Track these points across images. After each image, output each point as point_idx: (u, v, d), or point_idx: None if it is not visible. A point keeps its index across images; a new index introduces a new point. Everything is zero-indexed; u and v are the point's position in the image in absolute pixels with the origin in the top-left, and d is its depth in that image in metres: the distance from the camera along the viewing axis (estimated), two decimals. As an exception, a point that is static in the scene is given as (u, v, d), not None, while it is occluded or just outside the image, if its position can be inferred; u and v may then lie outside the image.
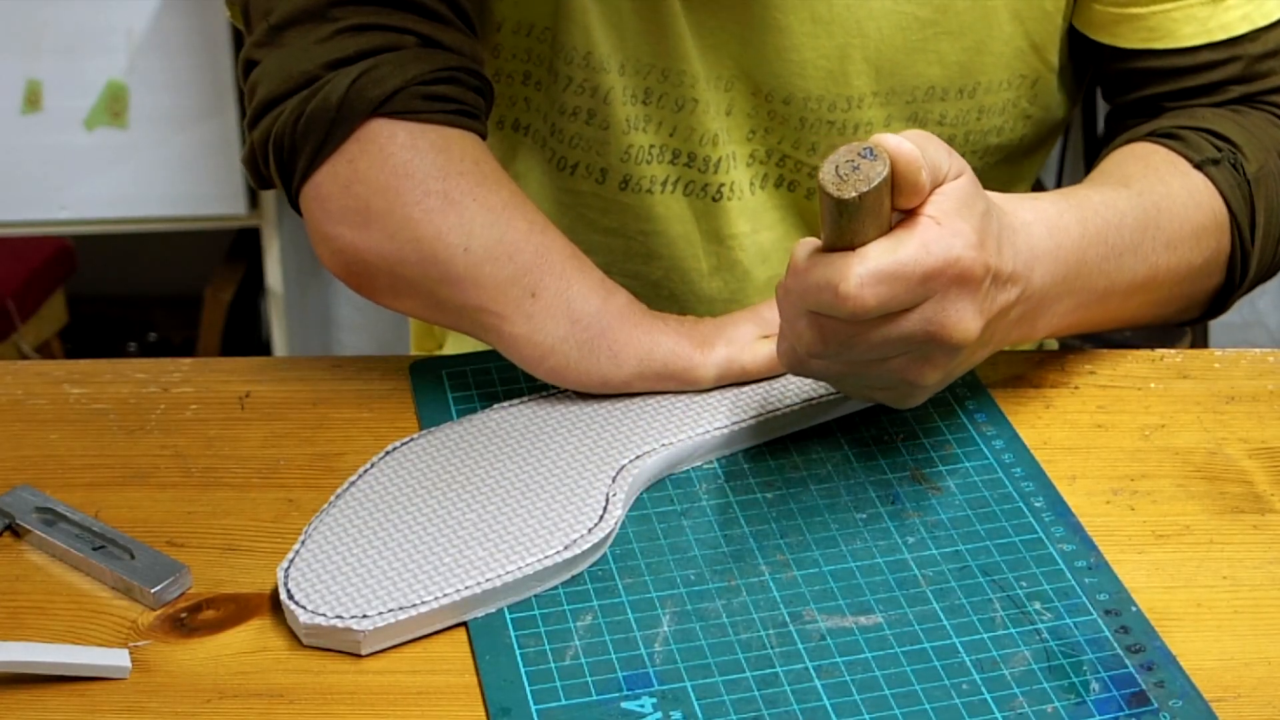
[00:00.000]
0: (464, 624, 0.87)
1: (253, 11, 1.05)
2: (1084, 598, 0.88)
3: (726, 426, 0.98)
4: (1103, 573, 0.90)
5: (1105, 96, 1.19)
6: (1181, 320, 1.12)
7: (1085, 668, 0.84)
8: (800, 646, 0.85)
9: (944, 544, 0.91)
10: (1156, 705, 0.82)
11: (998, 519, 0.93)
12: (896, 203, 0.88)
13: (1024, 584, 0.89)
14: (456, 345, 1.30)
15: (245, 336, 2.59)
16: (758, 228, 1.18)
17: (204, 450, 1.00)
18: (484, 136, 1.05)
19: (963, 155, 1.16)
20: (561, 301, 0.99)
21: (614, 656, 0.85)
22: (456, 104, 1.02)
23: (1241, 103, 1.13)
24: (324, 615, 0.86)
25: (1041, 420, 1.02)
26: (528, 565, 0.88)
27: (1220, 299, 1.12)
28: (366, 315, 2.81)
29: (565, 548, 0.89)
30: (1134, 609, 0.87)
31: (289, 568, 0.89)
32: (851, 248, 0.87)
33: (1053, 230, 0.96)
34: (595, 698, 0.82)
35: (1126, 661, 0.84)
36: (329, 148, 1.00)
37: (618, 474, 0.94)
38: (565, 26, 1.13)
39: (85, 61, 2.27)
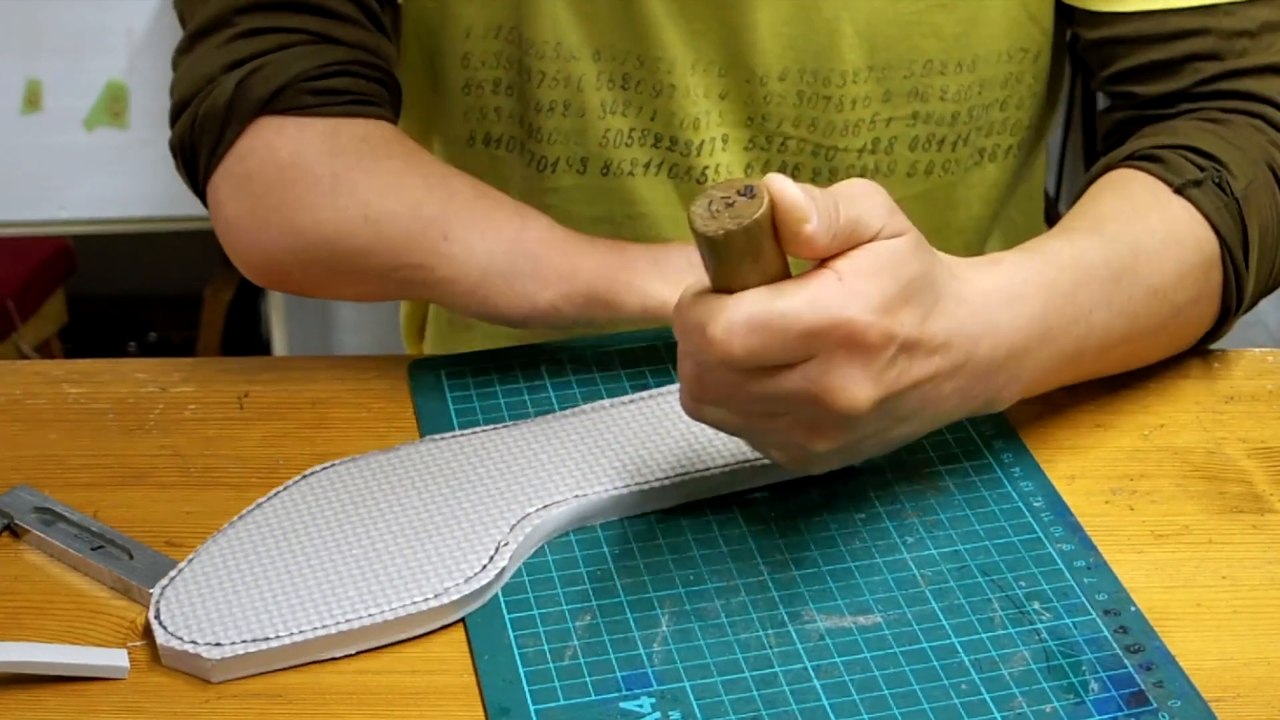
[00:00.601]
0: (462, 623, 0.87)
1: (184, 21, 1.09)
2: (1083, 597, 0.88)
3: (646, 483, 0.94)
4: (1102, 572, 0.90)
5: (1087, 82, 1.17)
6: (1176, 354, 1.06)
7: (1084, 668, 0.84)
8: (799, 646, 0.85)
9: (943, 544, 0.91)
10: (1155, 705, 0.82)
11: (996, 519, 0.93)
12: (786, 249, 0.82)
13: (1023, 584, 0.89)
14: (436, 345, 1.30)
15: (245, 336, 2.59)
16: None
17: (203, 450, 1.00)
18: (383, 119, 1.06)
19: (969, 134, 1.15)
20: (475, 237, 1.00)
21: (613, 656, 0.85)
22: (350, 95, 1.04)
23: (1219, 99, 1.09)
24: (179, 639, 0.84)
25: (1041, 420, 1.02)
26: (390, 610, 0.86)
27: (1217, 326, 1.06)
28: (366, 315, 2.81)
29: (435, 595, 0.87)
30: (1133, 609, 0.87)
31: (166, 586, 0.88)
32: (730, 291, 0.82)
33: (1011, 301, 0.90)
34: (594, 698, 0.82)
35: (1125, 661, 0.84)
36: (221, 149, 1.03)
37: (518, 522, 0.91)
38: (532, 20, 1.13)
39: (85, 61, 2.27)
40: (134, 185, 2.33)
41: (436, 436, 0.98)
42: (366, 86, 1.06)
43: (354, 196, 1.01)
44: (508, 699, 0.82)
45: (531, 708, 0.82)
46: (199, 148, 1.04)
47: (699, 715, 0.81)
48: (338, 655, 0.85)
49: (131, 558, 0.90)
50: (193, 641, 0.84)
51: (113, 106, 2.29)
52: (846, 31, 1.12)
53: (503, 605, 0.88)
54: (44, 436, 1.01)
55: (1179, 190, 1.02)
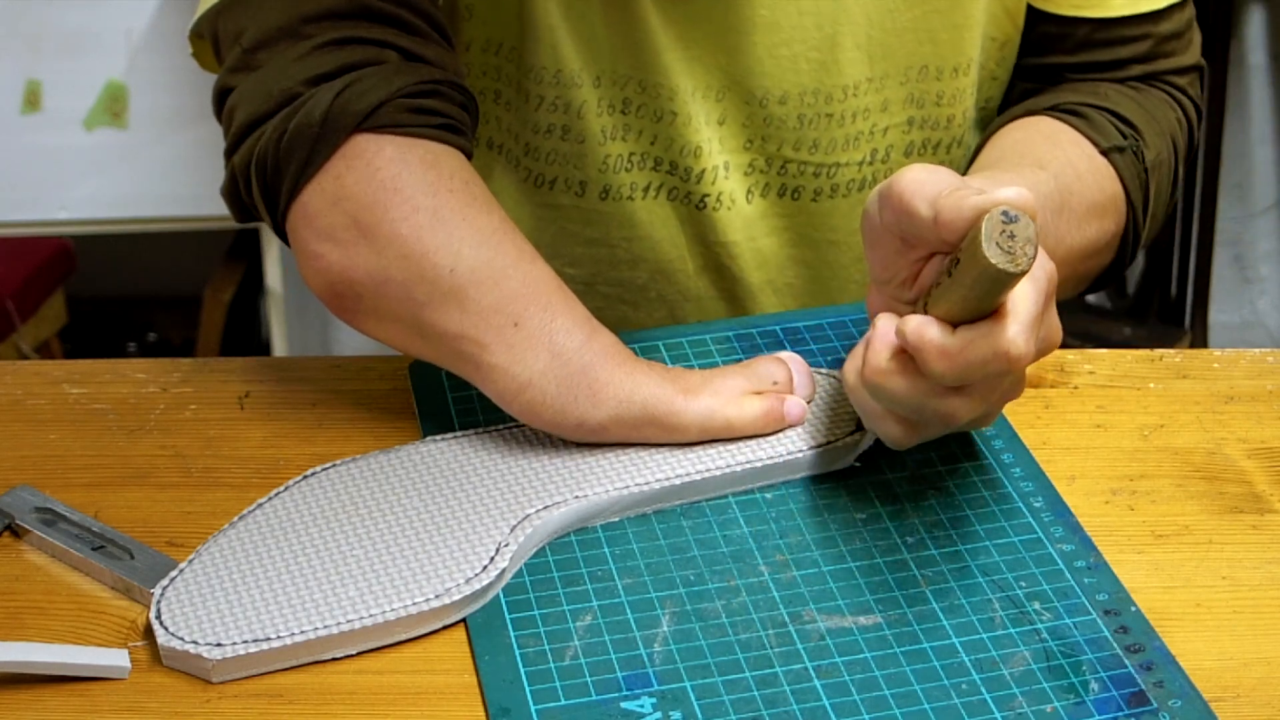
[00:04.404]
0: (463, 623, 0.87)
1: (223, 39, 1.03)
2: (1083, 598, 0.88)
3: (647, 484, 0.94)
4: (1102, 573, 0.90)
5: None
6: (1071, 296, 1.15)
7: (1084, 668, 0.84)
8: (800, 646, 0.85)
9: (943, 544, 0.91)
10: (1156, 705, 0.82)
11: (997, 519, 0.93)
12: None
13: (1023, 584, 0.89)
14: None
15: (245, 336, 2.59)
16: (753, 235, 1.17)
17: (203, 450, 1.00)
18: (470, 154, 1.02)
19: (963, 135, 1.18)
20: (544, 334, 0.96)
21: (613, 657, 0.85)
22: (442, 118, 1.00)
23: (1142, 81, 1.15)
24: (180, 639, 0.84)
25: (1041, 420, 1.02)
26: (391, 611, 0.86)
27: (1107, 275, 1.17)
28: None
29: (436, 596, 0.87)
30: (1133, 609, 0.87)
31: (167, 586, 0.88)
32: (994, 310, 0.85)
33: None
34: (595, 698, 0.82)
35: (1126, 661, 0.84)
36: (314, 165, 0.97)
37: (519, 523, 0.91)
38: (531, 46, 1.12)
39: (85, 61, 2.27)
40: (134, 185, 2.33)
41: (437, 437, 0.98)
42: (454, 111, 1.01)
43: (449, 242, 0.96)
44: (508, 699, 0.82)
45: (532, 708, 0.82)
46: (284, 164, 0.97)
47: (700, 715, 0.82)
48: (338, 655, 0.85)
49: (132, 557, 0.90)
50: (193, 642, 0.84)
51: (112, 107, 2.29)
52: (848, 45, 1.12)
53: (503, 605, 0.88)
54: (45, 437, 1.01)
55: (1104, 152, 1.10)
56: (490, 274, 0.96)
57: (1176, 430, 1.01)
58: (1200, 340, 2.67)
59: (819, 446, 0.96)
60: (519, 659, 0.85)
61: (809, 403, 0.99)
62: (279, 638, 0.85)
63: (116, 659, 0.84)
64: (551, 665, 0.84)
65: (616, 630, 0.86)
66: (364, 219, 0.96)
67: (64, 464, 0.99)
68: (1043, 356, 0.90)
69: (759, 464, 0.95)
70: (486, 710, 0.82)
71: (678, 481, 0.94)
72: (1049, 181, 1.04)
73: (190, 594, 0.87)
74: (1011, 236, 0.81)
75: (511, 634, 0.86)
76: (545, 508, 0.92)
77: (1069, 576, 0.89)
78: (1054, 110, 1.12)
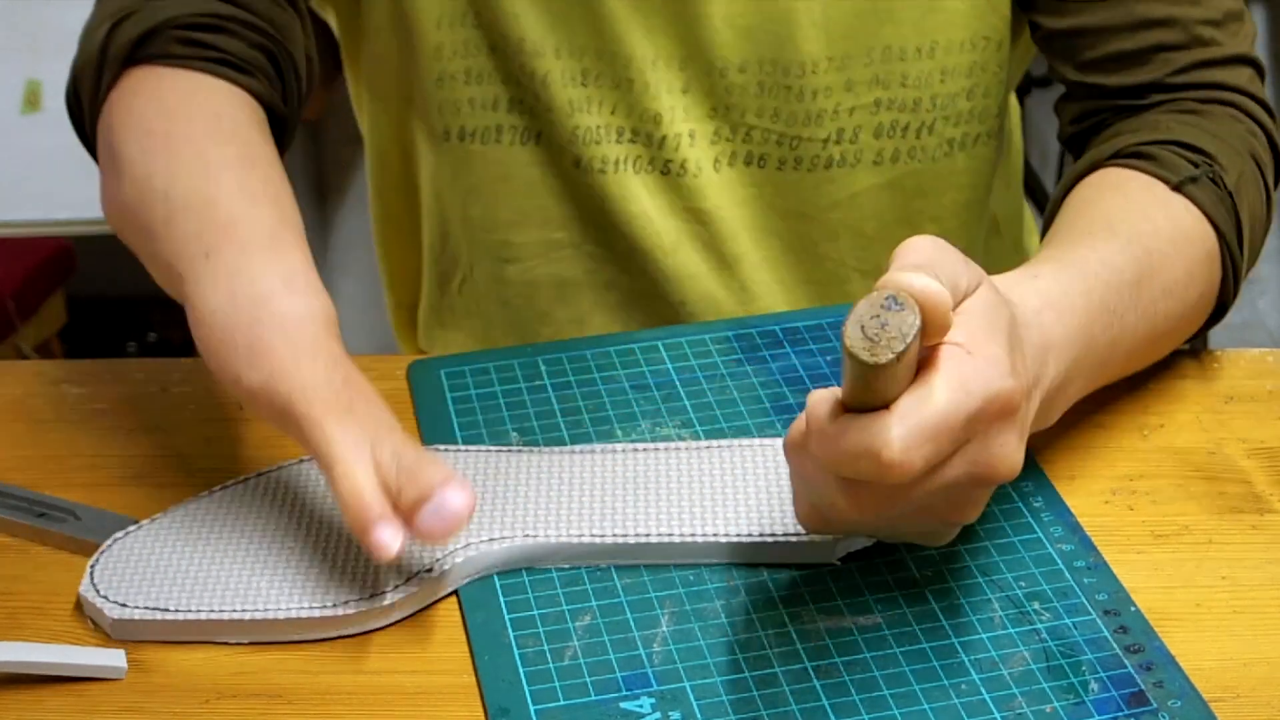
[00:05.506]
0: (463, 623, 0.87)
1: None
2: (1083, 598, 0.88)
3: (602, 537, 0.89)
4: (1101, 573, 0.90)
5: (1051, 73, 1.14)
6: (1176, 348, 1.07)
7: (1084, 668, 0.84)
8: (799, 647, 0.85)
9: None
10: (1155, 705, 0.82)
11: (996, 519, 0.93)
12: (927, 340, 0.77)
13: (1023, 584, 0.89)
14: (444, 347, 1.29)
15: (245, 337, 2.58)
16: (723, 204, 1.17)
17: (203, 450, 1.00)
18: (258, 94, 1.02)
19: (934, 122, 1.15)
20: (229, 273, 0.89)
21: (613, 657, 0.85)
22: (219, 52, 1.01)
23: (1192, 90, 1.08)
24: (94, 591, 0.87)
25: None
26: (283, 610, 0.86)
27: (1213, 318, 1.06)
28: (366, 315, 2.81)
29: (333, 605, 0.86)
30: (1133, 609, 0.87)
31: (118, 539, 0.90)
32: (884, 404, 0.76)
33: (1061, 314, 0.89)
34: (594, 698, 0.82)
35: (1125, 661, 0.84)
36: (99, 99, 1.02)
37: (455, 549, 0.88)
38: (497, 17, 1.13)
39: (85, 61, 2.27)
40: (134, 185, 2.32)
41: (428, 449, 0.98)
42: (244, 50, 1.02)
43: (168, 168, 0.95)
44: (508, 699, 0.82)
45: (531, 708, 0.82)
46: (82, 100, 1.03)
47: (699, 715, 0.81)
48: (230, 641, 0.86)
49: (77, 518, 0.92)
50: (104, 597, 0.86)
51: (113, 107, 2.29)
52: (804, 23, 1.12)
53: (503, 605, 0.88)
54: (44, 436, 1.01)
55: (1177, 188, 1.01)
56: (199, 202, 0.93)
57: (1176, 430, 1.01)
58: (1200, 340, 2.68)
59: (784, 536, 0.90)
60: (518, 659, 0.85)
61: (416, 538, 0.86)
62: (176, 611, 0.86)
63: (112, 659, 0.84)
64: (551, 665, 0.84)
65: (616, 630, 0.86)
66: (113, 147, 0.99)
67: (63, 464, 0.99)
68: (977, 486, 0.80)
69: (722, 540, 0.90)
70: (486, 710, 0.82)
71: (631, 541, 0.90)
72: (1124, 250, 0.96)
73: (128, 554, 0.89)
74: (884, 325, 0.74)
75: (511, 634, 0.86)
76: (490, 540, 0.89)
77: (1068, 576, 0.89)
78: (1119, 158, 1.04)
